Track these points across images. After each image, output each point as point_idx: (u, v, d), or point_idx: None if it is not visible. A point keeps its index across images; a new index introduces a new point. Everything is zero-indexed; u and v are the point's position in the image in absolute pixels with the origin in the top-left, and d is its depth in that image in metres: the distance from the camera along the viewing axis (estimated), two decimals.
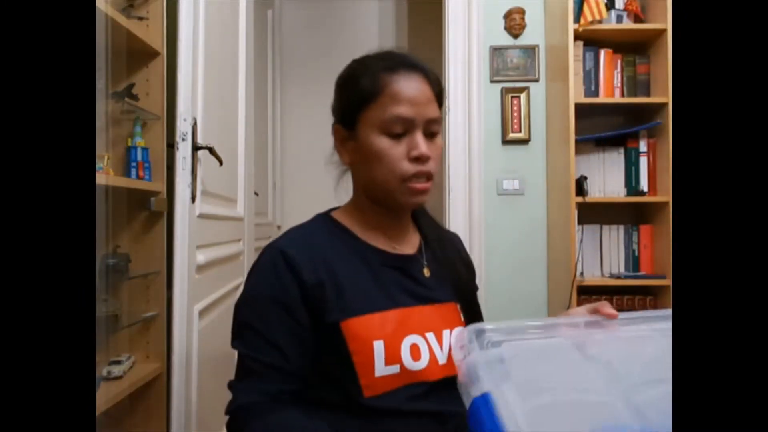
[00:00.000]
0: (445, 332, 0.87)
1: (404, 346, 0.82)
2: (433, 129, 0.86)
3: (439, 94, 0.88)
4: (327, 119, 3.61)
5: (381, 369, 0.80)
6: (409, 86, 0.84)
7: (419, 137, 0.84)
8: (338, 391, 0.81)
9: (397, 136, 0.84)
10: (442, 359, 0.85)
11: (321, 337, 0.82)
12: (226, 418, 0.82)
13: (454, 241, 1.05)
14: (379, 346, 0.80)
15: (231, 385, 0.84)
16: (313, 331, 0.82)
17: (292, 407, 0.78)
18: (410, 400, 0.81)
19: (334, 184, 0.99)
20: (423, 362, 0.83)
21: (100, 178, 1.38)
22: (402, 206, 0.89)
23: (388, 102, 0.84)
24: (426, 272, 0.91)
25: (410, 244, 0.94)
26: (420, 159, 0.83)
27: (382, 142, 0.84)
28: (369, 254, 0.88)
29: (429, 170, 0.85)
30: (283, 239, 0.87)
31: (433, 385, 0.83)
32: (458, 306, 0.94)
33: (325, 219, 0.93)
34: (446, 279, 0.93)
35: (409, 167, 0.84)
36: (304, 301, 0.81)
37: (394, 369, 0.81)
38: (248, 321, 0.83)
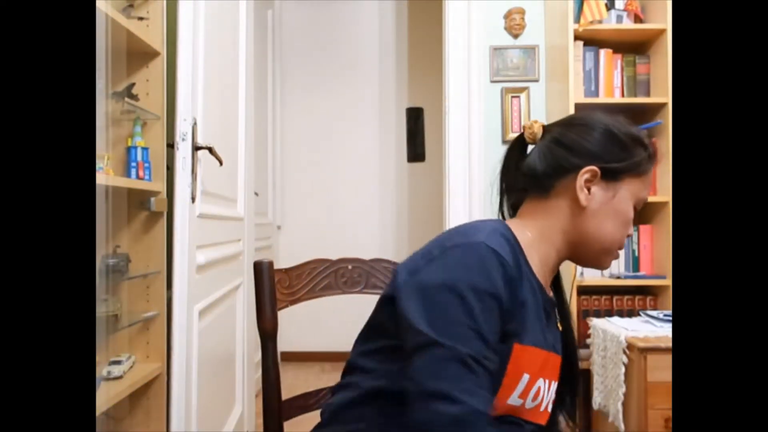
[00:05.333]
0: (554, 384, 0.89)
1: (534, 387, 0.84)
2: None
3: None
4: (326, 119, 3.66)
5: (513, 398, 0.82)
6: None
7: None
8: None
9: (634, 212, 0.91)
10: (547, 407, 0.88)
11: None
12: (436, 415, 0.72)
13: None
14: (524, 378, 0.82)
15: (436, 377, 0.73)
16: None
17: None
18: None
19: (491, 201, 1.01)
20: (537, 403, 0.85)
21: (100, 178, 1.38)
22: (594, 265, 0.94)
23: (647, 185, 0.91)
24: (558, 322, 0.95)
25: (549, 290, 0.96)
26: (628, 237, 0.92)
27: (630, 213, 0.89)
28: (538, 289, 0.87)
29: None
30: (490, 241, 0.80)
31: (535, 427, 0.87)
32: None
33: (511, 238, 0.85)
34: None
35: (624, 240, 0.91)
36: (505, 304, 0.79)
37: (518, 401, 0.83)
38: (450, 308, 0.75)
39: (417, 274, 0.80)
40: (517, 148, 0.95)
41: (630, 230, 0.91)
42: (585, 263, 0.94)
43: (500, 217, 0.97)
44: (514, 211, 0.96)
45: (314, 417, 0.98)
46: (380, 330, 0.87)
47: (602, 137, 0.88)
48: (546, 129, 0.92)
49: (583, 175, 0.86)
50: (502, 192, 0.98)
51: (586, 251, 0.90)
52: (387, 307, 0.84)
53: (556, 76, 2.35)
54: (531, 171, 0.90)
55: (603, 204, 0.88)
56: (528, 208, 0.91)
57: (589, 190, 0.87)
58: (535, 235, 0.89)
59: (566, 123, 0.92)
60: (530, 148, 0.94)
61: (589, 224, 0.88)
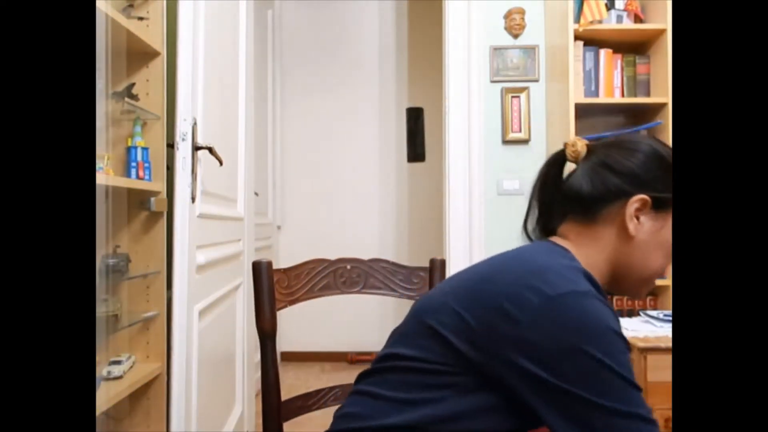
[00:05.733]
0: None
1: None
2: None
3: None
4: (326, 119, 3.66)
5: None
6: None
7: None
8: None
9: None
10: None
11: None
12: None
13: None
14: None
15: None
16: None
17: None
18: None
19: (522, 220, 0.94)
20: None
21: (100, 178, 1.38)
22: (631, 295, 0.91)
23: None
24: None
25: None
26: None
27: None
28: None
29: None
30: (588, 285, 0.76)
31: None
32: None
33: (580, 266, 0.81)
34: None
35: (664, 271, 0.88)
36: None
37: None
38: (605, 371, 0.70)
39: (521, 325, 0.71)
40: (557, 165, 0.91)
41: (671, 258, 0.86)
42: (622, 293, 0.90)
43: (525, 235, 0.94)
44: (545, 231, 0.92)
45: (314, 417, 0.97)
46: (418, 358, 0.79)
47: (653, 164, 0.84)
48: (590, 148, 0.88)
49: (633, 203, 0.83)
50: (530, 208, 0.93)
51: (627, 281, 0.87)
52: (433, 336, 0.78)
53: (556, 76, 2.35)
54: (575, 193, 0.86)
55: (651, 234, 0.84)
56: (571, 232, 0.87)
57: (638, 219, 0.83)
58: (583, 263, 0.84)
59: (613, 145, 0.87)
60: (570, 165, 0.89)
61: (635, 255, 0.84)
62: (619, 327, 0.72)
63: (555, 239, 0.88)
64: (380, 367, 0.84)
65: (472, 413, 0.75)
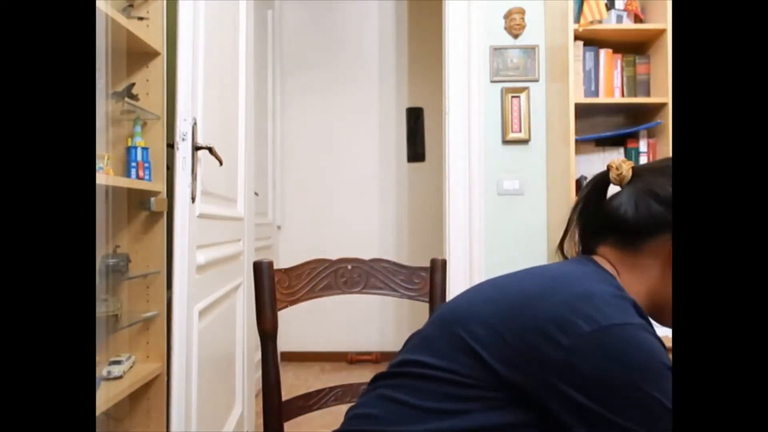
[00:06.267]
0: None
1: None
2: None
3: None
4: (326, 119, 3.67)
5: None
6: None
7: None
8: None
9: None
10: None
11: None
12: None
13: None
14: None
15: None
16: None
17: None
18: None
19: (576, 249, 0.91)
20: None
21: (100, 178, 1.38)
22: (669, 326, 0.86)
23: None
24: None
25: None
26: None
27: None
28: None
29: None
30: (637, 320, 0.73)
31: None
32: None
33: (628, 295, 0.78)
34: None
35: None
36: None
37: None
38: (657, 407, 0.67)
39: (567, 351, 0.68)
40: (599, 188, 0.88)
41: None
42: (658, 323, 0.87)
43: (560, 255, 0.91)
44: (583, 250, 0.89)
45: (314, 417, 0.97)
46: (445, 368, 0.77)
47: None
48: (636, 172, 0.84)
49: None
50: (568, 229, 0.91)
51: (666, 314, 0.84)
52: (462, 348, 0.75)
53: (556, 76, 2.35)
54: (620, 219, 0.82)
55: None
56: (611, 255, 0.84)
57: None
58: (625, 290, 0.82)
59: (660, 171, 0.84)
60: (612, 187, 0.86)
61: (667, 289, 0.82)
62: (669, 361, 0.69)
63: (597, 259, 0.85)
64: (401, 372, 0.81)
65: (499, 428, 0.73)
